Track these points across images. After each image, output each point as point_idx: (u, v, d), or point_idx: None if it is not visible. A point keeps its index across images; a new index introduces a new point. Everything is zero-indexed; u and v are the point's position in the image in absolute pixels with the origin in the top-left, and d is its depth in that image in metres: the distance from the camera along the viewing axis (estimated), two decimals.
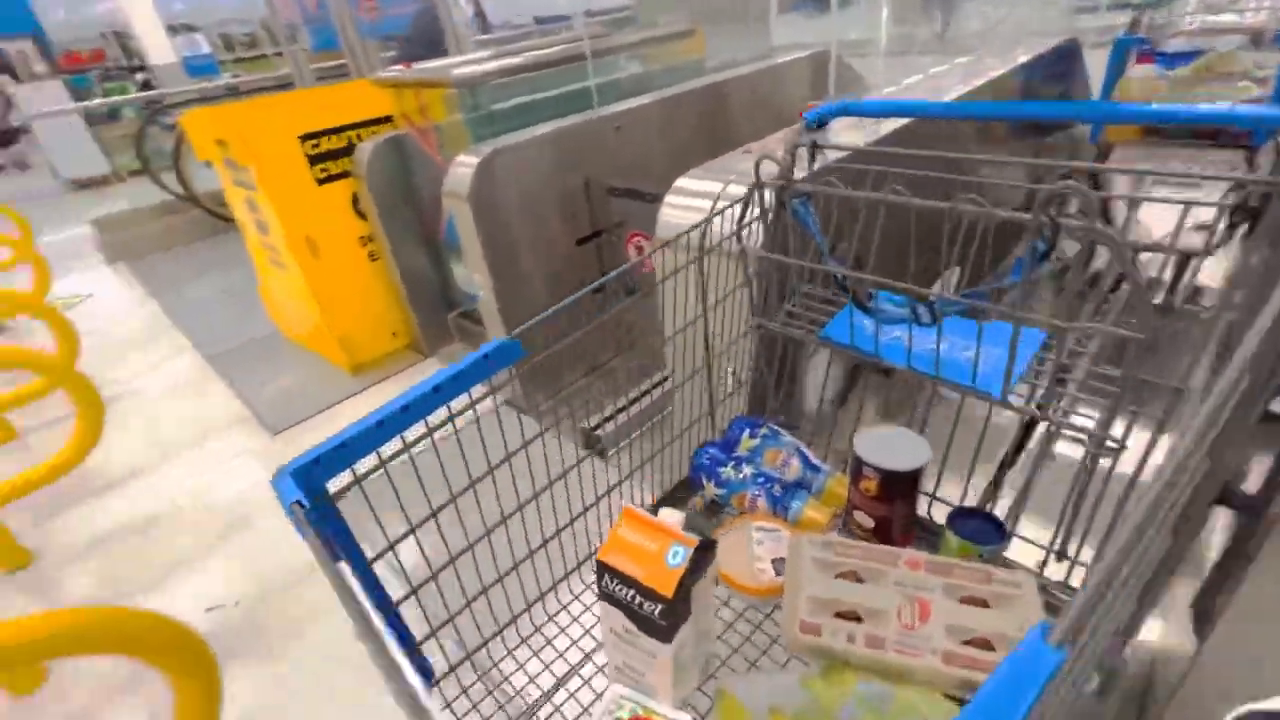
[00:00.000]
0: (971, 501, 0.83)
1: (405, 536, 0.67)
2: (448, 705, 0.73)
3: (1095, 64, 2.29)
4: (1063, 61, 2.40)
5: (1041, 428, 0.75)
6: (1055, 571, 0.78)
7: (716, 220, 1.20)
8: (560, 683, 0.77)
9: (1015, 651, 0.33)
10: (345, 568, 0.48)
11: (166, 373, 3.03)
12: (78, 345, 1.92)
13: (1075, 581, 0.77)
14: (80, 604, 1.75)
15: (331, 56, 4.39)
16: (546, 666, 0.79)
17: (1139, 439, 0.65)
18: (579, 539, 0.85)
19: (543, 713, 0.73)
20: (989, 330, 0.71)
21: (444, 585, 0.71)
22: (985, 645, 0.61)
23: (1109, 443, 0.66)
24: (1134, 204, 0.71)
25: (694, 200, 1.31)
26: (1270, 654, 0.69)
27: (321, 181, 2.44)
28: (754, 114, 2.48)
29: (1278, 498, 0.78)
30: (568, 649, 0.81)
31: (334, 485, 0.59)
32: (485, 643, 0.79)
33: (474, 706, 0.74)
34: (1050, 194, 0.54)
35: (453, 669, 0.75)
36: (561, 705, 0.74)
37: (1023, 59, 2.11)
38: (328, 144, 2.42)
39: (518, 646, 0.81)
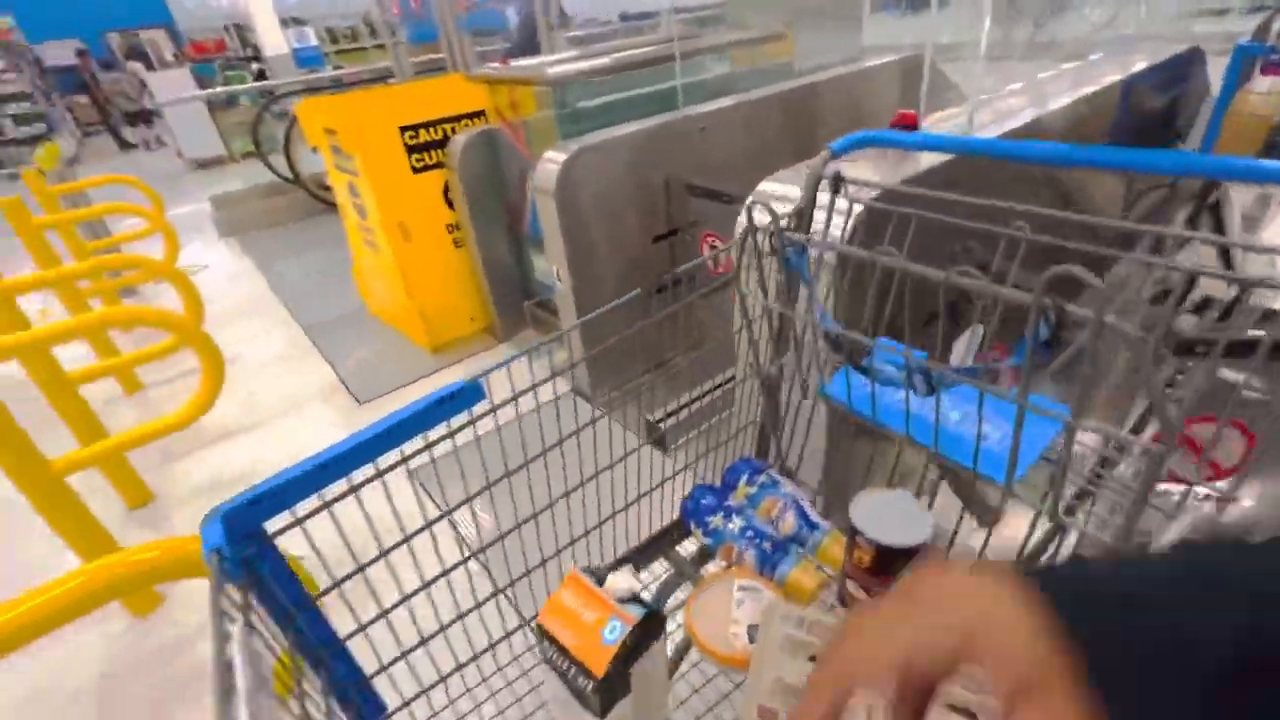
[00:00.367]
0: None
1: (356, 573, 0.66)
2: None
3: (1220, 74, 2.14)
4: (1181, 72, 2.25)
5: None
6: None
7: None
8: None
9: None
10: (235, 635, 0.46)
11: (268, 340, 3.30)
12: (203, 309, 2.14)
13: None
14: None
15: (425, 50, 4.63)
16: (501, 712, 0.78)
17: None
18: (564, 566, 0.84)
19: None
20: (996, 403, 0.61)
21: (396, 619, 0.71)
22: None
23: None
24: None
25: (775, 204, 1.33)
26: None
27: (417, 170, 2.59)
28: (841, 118, 2.46)
29: None
30: (527, 693, 0.80)
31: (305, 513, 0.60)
32: (442, 678, 0.79)
33: None
34: (1052, 278, 0.47)
35: (406, 703, 0.74)
36: None
37: (1137, 67, 1.99)
38: (425, 135, 2.57)
39: (477, 685, 0.80)
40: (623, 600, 0.66)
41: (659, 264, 2.24)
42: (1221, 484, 0.69)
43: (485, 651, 0.82)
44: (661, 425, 1.99)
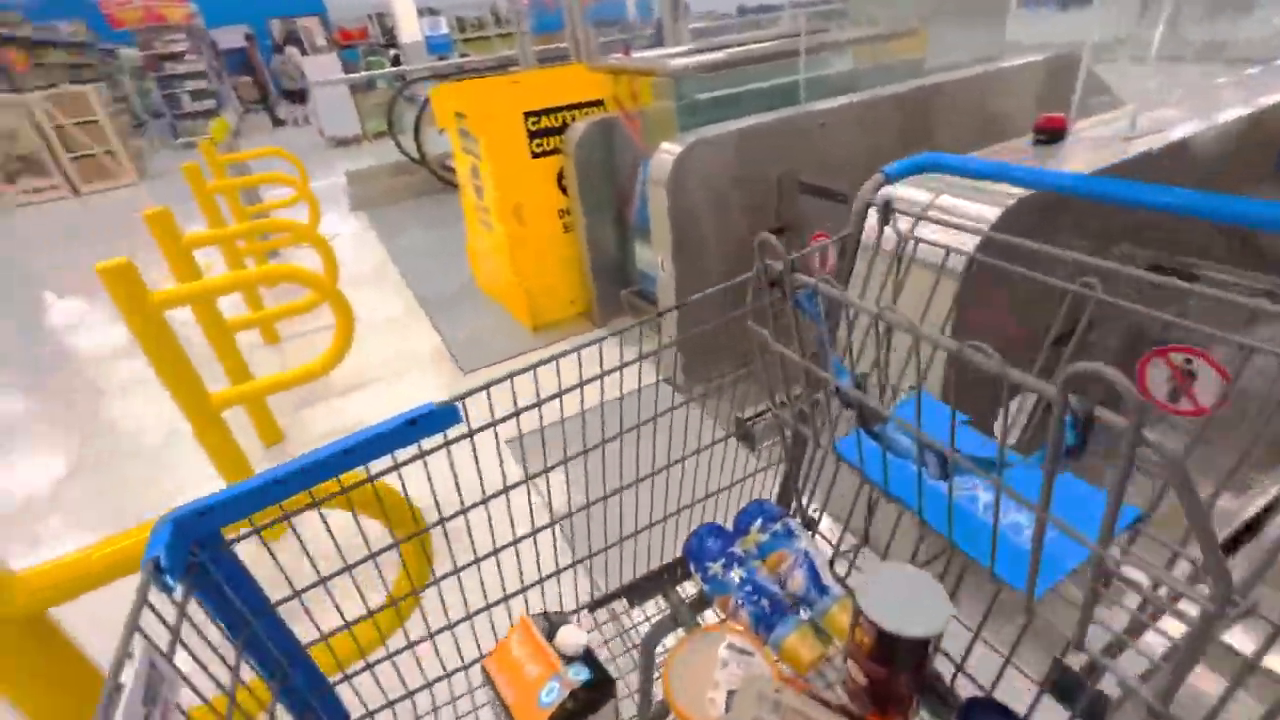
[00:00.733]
0: (1012, 694, 0.63)
1: (315, 586, 0.65)
2: None
3: None
4: None
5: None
6: None
7: (926, 230, 1.18)
8: None
9: None
10: (137, 655, 0.44)
11: (385, 306, 3.57)
12: (338, 272, 2.35)
13: None
14: None
15: (547, 40, 4.80)
16: None
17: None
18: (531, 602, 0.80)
19: None
20: (1026, 494, 0.52)
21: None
22: None
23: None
24: None
25: (903, 205, 1.29)
26: None
27: (535, 155, 2.71)
28: (971, 121, 2.32)
29: None
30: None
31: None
32: (415, 692, 0.78)
33: None
34: (1072, 377, 0.39)
35: (370, 714, 0.74)
36: None
37: None
38: (546, 121, 2.68)
39: (449, 703, 0.78)
40: (570, 659, 0.61)
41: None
42: None
43: (444, 677, 0.80)
44: (751, 424, 1.98)
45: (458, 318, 3.31)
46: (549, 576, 0.84)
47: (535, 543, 0.78)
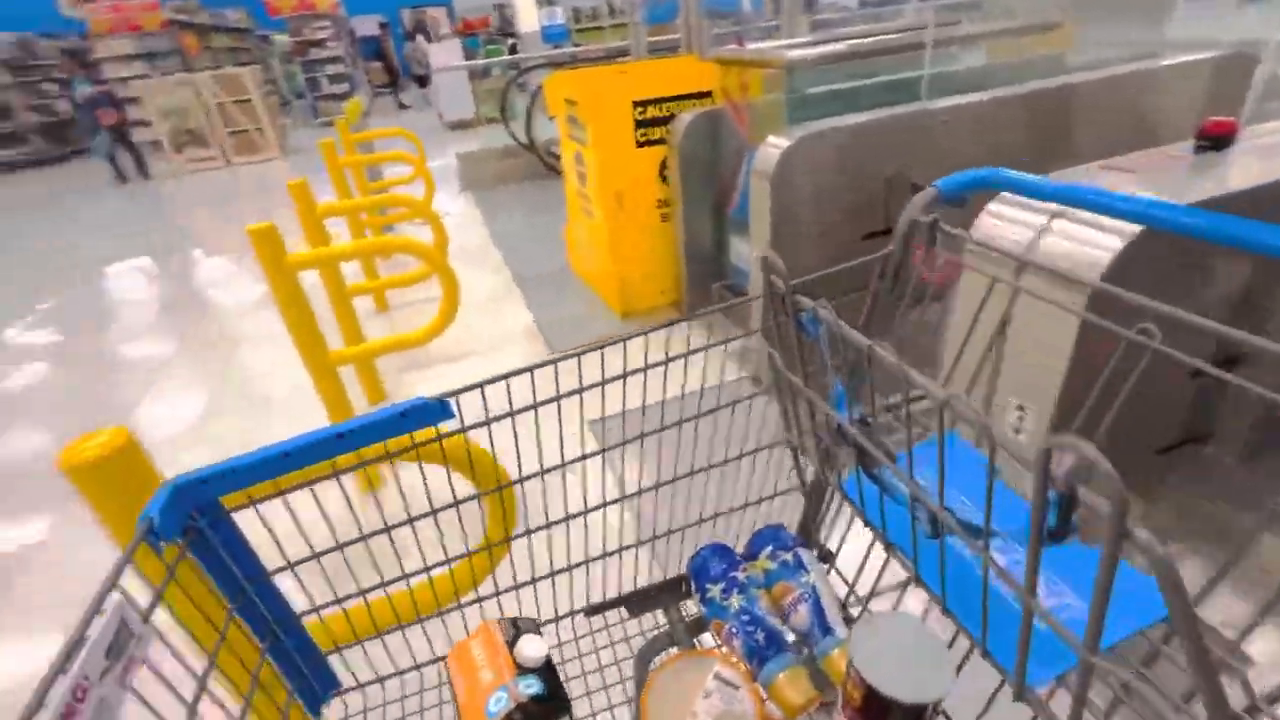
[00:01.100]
0: None
1: (314, 559, 0.67)
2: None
3: None
4: None
5: None
6: None
7: (1049, 240, 1.10)
8: None
9: None
10: (108, 611, 0.44)
11: (483, 283, 3.75)
12: (448, 247, 2.50)
13: None
14: None
15: (660, 31, 4.81)
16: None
17: None
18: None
19: None
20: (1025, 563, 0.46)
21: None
22: None
23: None
24: None
25: (1020, 213, 1.20)
26: None
27: (640, 145, 2.74)
28: (1123, 124, 2.11)
29: None
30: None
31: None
32: (417, 667, 0.78)
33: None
34: (1049, 449, 0.33)
35: (361, 685, 0.76)
36: None
37: None
38: (653, 111, 2.70)
39: (437, 687, 0.77)
40: (526, 670, 0.59)
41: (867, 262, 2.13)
42: None
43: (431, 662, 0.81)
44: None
45: (551, 299, 3.42)
46: (587, 561, 0.86)
47: (585, 522, 0.79)
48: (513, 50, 9.80)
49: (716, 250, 2.92)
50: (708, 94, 2.76)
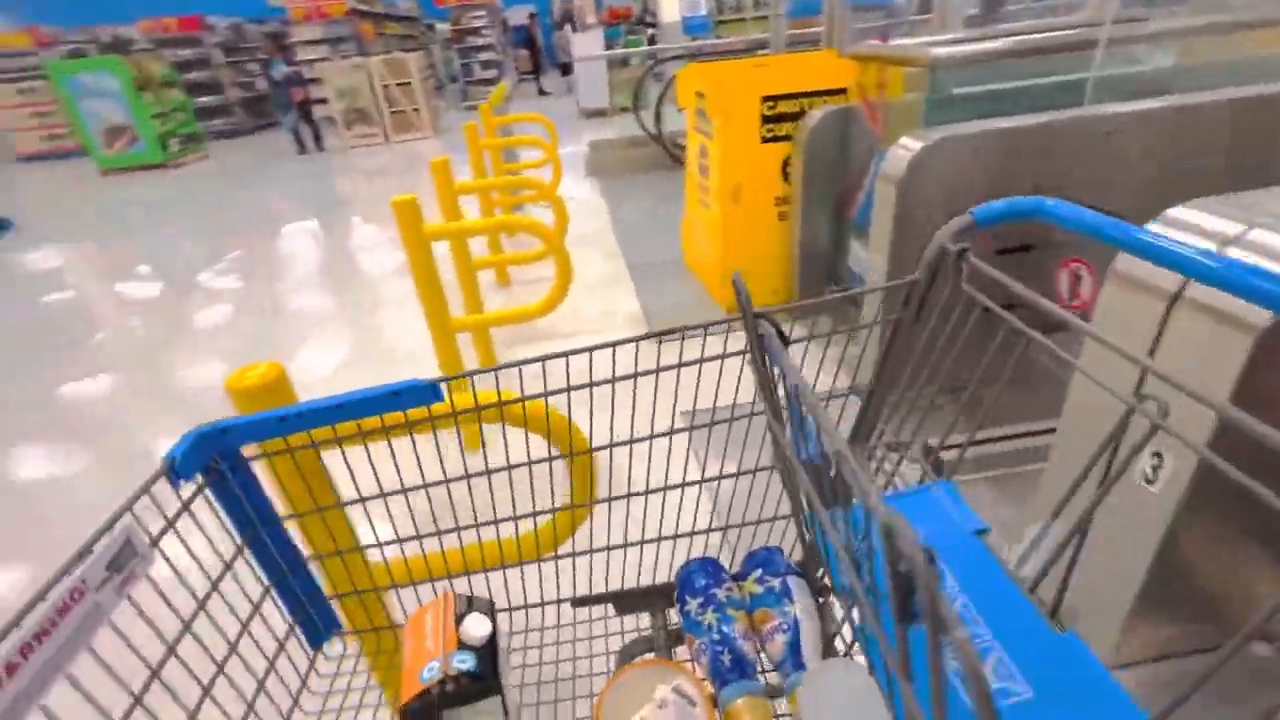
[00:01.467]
0: None
1: (331, 508, 0.74)
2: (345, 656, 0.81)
3: None
4: None
5: None
6: None
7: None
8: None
9: None
10: (117, 529, 0.52)
11: (596, 267, 3.87)
12: (567, 230, 2.61)
13: None
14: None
15: (803, 24, 4.67)
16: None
17: None
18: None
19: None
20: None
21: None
22: None
23: None
24: None
25: (1189, 236, 1.06)
26: None
27: (765, 140, 2.70)
28: None
29: None
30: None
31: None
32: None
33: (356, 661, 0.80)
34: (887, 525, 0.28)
35: (359, 631, 0.81)
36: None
37: None
38: (782, 107, 2.65)
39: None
40: (465, 646, 0.61)
41: (995, 280, 1.97)
42: None
43: None
44: (941, 453, 1.80)
45: (660, 288, 3.47)
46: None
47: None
48: (651, 41, 9.93)
49: (833, 253, 2.82)
50: (842, 91, 2.66)
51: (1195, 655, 1.18)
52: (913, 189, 1.85)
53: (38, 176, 10.52)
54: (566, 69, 13.09)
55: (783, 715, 0.66)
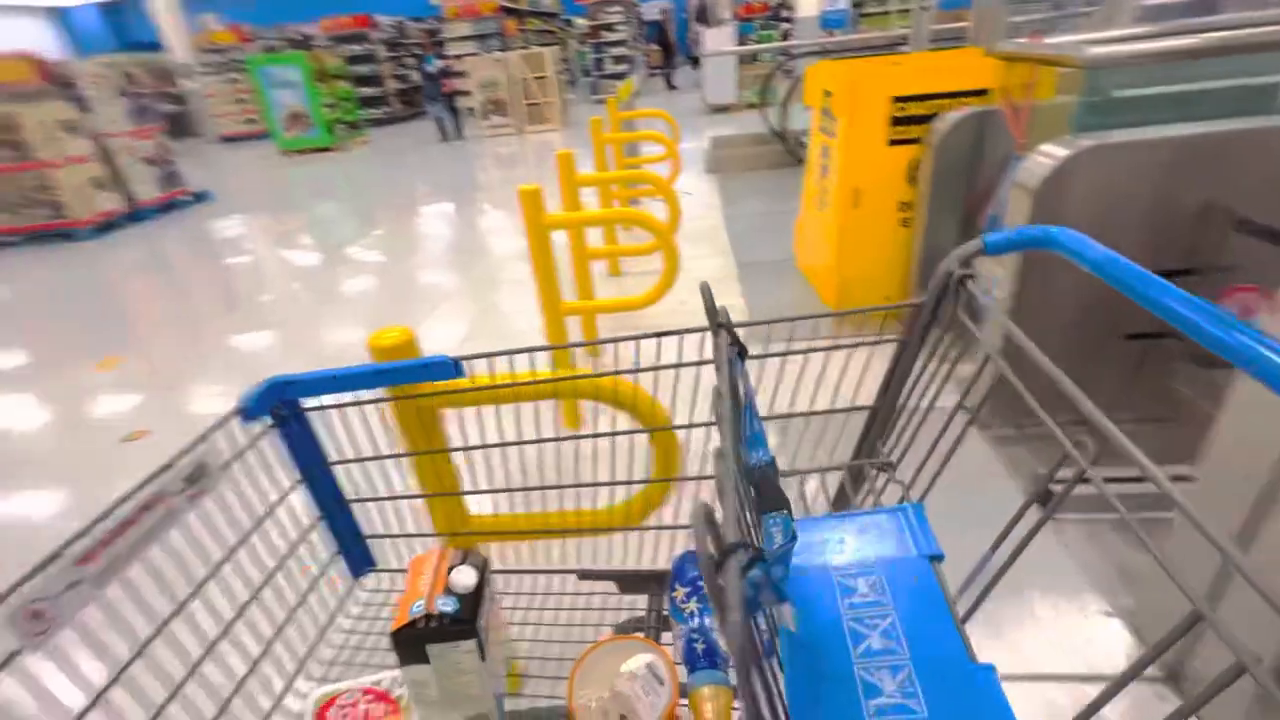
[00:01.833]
0: None
1: (366, 460, 0.85)
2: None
3: None
4: None
5: None
6: None
7: None
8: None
9: None
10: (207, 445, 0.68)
11: (706, 263, 3.89)
12: (679, 225, 2.67)
13: None
14: None
15: (954, 16, 4.37)
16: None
17: None
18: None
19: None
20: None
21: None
22: None
23: None
24: None
25: None
26: None
27: (892, 143, 2.59)
28: None
29: None
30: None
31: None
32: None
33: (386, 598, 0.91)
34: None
35: (395, 570, 0.89)
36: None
37: None
38: (914, 109, 2.53)
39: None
40: (450, 591, 0.70)
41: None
42: None
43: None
44: (1055, 485, 1.67)
45: (767, 289, 3.43)
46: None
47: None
48: (785, 36, 9.71)
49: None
50: (980, 93, 2.49)
51: None
52: (1051, 200, 1.72)
53: (232, 155, 12.20)
54: (698, 63, 13.13)
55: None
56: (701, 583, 0.76)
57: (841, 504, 0.75)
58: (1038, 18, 3.18)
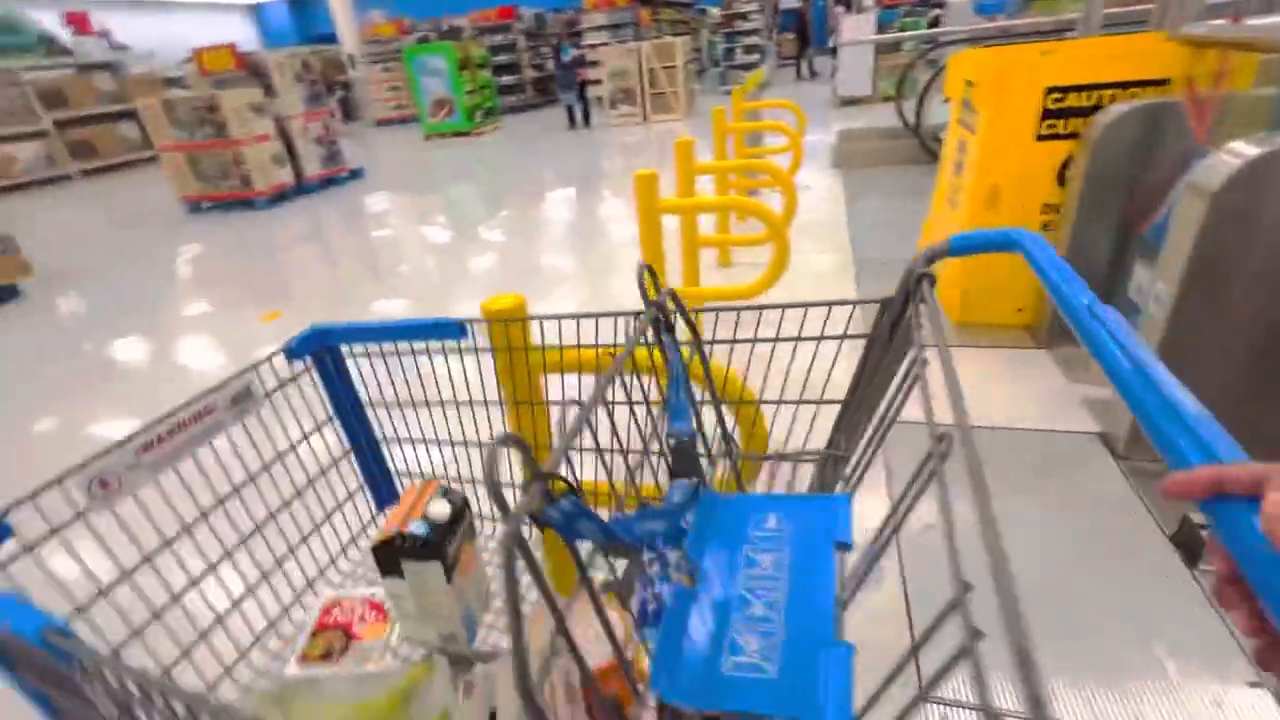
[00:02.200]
0: None
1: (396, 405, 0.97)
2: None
3: None
4: None
5: None
6: None
7: None
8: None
9: None
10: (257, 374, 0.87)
11: (821, 260, 3.76)
12: (793, 218, 2.60)
13: None
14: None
15: (1128, 1, 3.87)
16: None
17: None
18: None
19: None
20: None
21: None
22: None
23: None
24: None
25: None
26: None
27: (1041, 138, 2.36)
28: None
29: None
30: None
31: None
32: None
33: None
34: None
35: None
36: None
37: None
38: (1073, 100, 2.28)
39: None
40: (425, 518, 0.80)
41: None
42: None
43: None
44: (1204, 530, 1.47)
45: (883, 288, 3.25)
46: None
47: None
48: (933, 24, 9.05)
49: (1109, 274, 2.38)
50: (1160, 83, 2.20)
51: None
52: (1235, 206, 1.50)
53: (383, 137, 13.40)
54: (837, 53, 12.61)
55: None
56: (662, 546, 0.82)
57: (818, 489, 0.82)
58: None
